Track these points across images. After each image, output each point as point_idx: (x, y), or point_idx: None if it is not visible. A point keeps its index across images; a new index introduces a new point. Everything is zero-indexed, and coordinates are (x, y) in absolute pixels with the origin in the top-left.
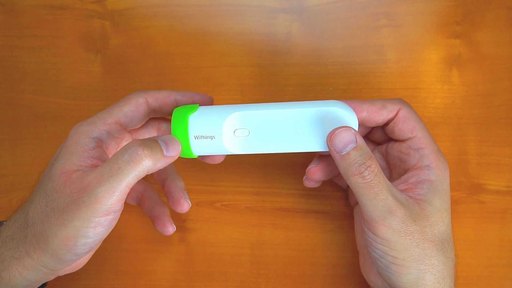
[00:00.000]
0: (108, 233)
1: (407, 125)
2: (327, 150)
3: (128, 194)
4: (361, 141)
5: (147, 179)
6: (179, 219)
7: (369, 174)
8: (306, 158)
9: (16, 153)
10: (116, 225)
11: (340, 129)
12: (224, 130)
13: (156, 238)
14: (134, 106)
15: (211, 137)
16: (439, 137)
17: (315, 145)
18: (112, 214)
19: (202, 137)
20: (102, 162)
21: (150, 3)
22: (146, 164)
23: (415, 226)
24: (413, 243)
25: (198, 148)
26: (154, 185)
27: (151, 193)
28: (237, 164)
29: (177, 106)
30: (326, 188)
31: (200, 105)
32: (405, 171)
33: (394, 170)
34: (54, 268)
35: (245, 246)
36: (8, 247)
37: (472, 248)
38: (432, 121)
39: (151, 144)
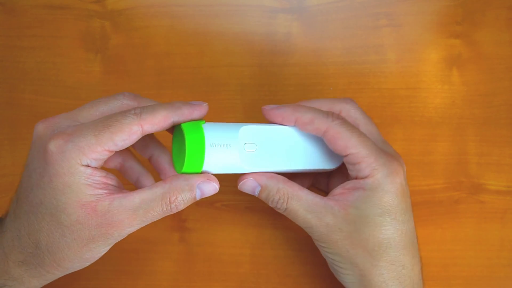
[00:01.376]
0: None
1: (338, 146)
2: (329, 167)
3: (106, 163)
4: (263, 181)
5: (127, 149)
6: (179, 219)
7: (280, 205)
8: None
9: (16, 153)
10: None
11: (242, 182)
12: (239, 139)
13: (156, 238)
14: (126, 135)
15: (227, 146)
16: (439, 137)
17: (316, 164)
18: None
19: (219, 145)
20: (110, 179)
21: (150, 3)
22: (173, 212)
23: (341, 233)
24: (342, 249)
25: (211, 161)
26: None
27: (132, 162)
28: None
29: (172, 126)
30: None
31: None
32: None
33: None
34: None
35: (245, 246)
36: (24, 269)
37: (472, 248)
38: (432, 121)
39: (188, 198)
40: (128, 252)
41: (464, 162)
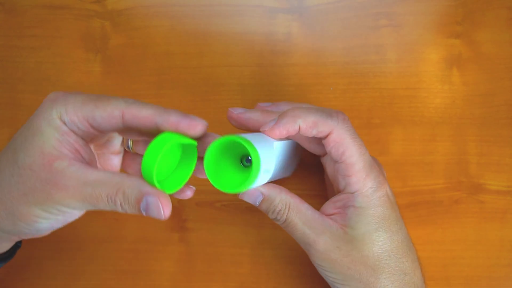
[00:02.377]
0: (72, 220)
1: (336, 150)
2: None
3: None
4: (266, 191)
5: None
6: (179, 219)
7: (280, 216)
8: (307, 158)
9: None
10: (116, 225)
11: (243, 191)
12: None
13: (156, 238)
14: (105, 115)
15: (268, 171)
16: (439, 137)
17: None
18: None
19: (265, 170)
20: (83, 150)
21: (150, 3)
22: (119, 210)
23: (340, 252)
24: (343, 266)
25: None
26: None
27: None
28: None
29: (157, 130)
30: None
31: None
32: (338, 191)
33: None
34: (14, 234)
35: (245, 246)
36: None
37: (472, 248)
38: (432, 121)
39: (133, 200)
40: (128, 252)
41: (464, 162)
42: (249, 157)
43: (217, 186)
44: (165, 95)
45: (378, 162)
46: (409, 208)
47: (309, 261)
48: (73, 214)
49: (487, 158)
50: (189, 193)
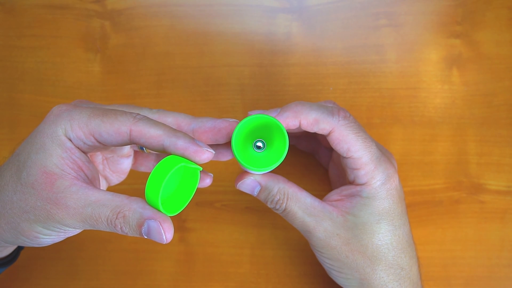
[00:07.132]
0: (74, 234)
1: (341, 147)
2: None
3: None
4: (264, 181)
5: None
6: (179, 219)
7: (279, 206)
8: (306, 158)
9: None
10: None
11: (241, 181)
12: None
13: None
14: (113, 132)
15: None
16: (439, 137)
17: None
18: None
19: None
20: (87, 168)
21: (150, 3)
22: (118, 232)
23: (339, 239)
24: (342, 254)
25: None
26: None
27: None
28: (237, 164)
29: (163, 149)
30: (327, 188)
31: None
32: (347, 183)
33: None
34: (17, 245)
35: (245, 246)
36: None
37: (472, 248)
38: (432, 121)
39: (134, 225)
40: (128, 252)
41: (464, 162)
42: (258, 143)
43: (245, 164)
44: (165, 95)
45: (389, 154)
46: (409, 208)
47: (309, 261)
48: (75, 231)
49: (487, 158)
50: (208, 181)
